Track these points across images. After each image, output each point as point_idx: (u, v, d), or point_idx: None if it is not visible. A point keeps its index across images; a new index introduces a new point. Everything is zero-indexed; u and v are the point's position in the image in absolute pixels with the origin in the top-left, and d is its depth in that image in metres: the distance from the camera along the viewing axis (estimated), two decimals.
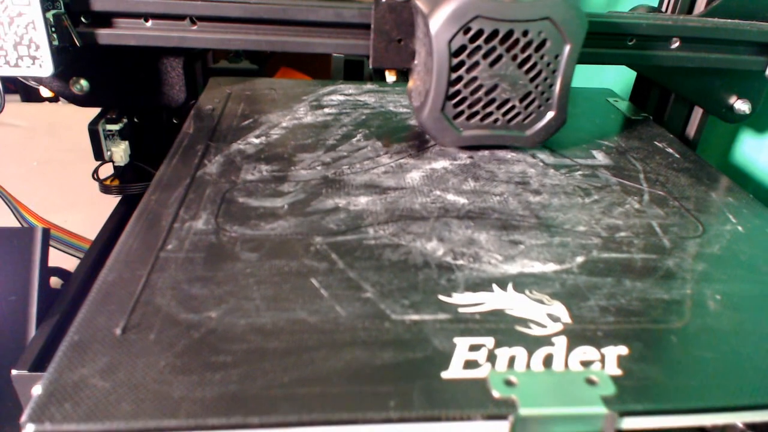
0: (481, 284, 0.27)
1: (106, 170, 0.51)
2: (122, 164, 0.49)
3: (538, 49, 0.36)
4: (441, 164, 0.38)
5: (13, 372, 0.29)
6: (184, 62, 0.46)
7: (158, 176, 0.34)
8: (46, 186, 0.69)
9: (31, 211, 0.46)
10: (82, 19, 0.40)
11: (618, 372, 0.22)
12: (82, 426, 0.19)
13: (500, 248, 0.30)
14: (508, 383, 0.21)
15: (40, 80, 0.43)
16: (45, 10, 0.36)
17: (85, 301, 0.24)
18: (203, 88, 0.49)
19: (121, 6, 0.39)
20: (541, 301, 0.26)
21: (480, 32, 0.35)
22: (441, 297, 0.26)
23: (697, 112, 0.52)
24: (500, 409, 0.20)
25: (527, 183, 0.37)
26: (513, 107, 0.38)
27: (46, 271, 0.37)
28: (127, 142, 0.49)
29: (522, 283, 0.27)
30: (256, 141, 0.40)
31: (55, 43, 0.37)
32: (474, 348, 0.23)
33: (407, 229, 0.31)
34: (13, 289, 0.35)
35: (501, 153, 0.40)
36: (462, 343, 0.23)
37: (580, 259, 0.29)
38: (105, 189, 0.50)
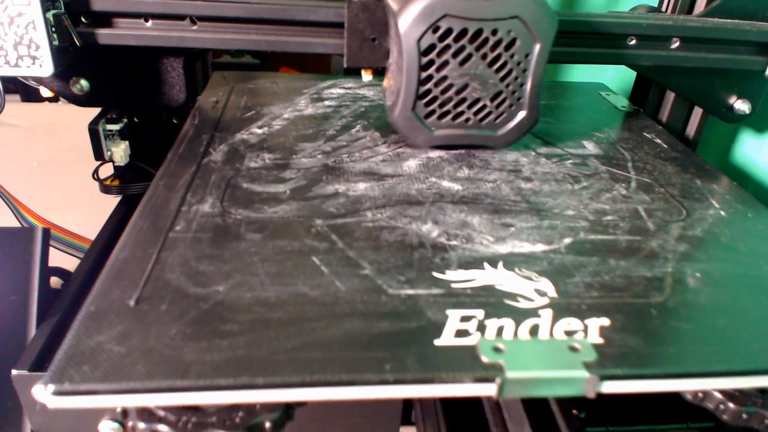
0: (473, 262, 0.28)
1: (106, 170, 0.51)
2: (122, 164, 0.49)
3: (507, 48, 0.36)
4: (437, 153, 0.40)
5: (13, 372, 0.29)
6: (184, 62, 0.46)
7: (165, 164, 0.36)
8: (46, 186, 0.69)
9: (31, 211, 0.46)
10: (82, 19, 0.40)
11: (600, 341, 0.24)
12: (99, 386, 0.20)
13: (492, 230, 0.31)
14: (496, 350, 0.23)
15: (40, 80, 0.43)
16: (45, 10, 0.36)
17: (98, 276, 0.26)
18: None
19: (121, 6, 0.39)
20: (529, 278, 0.27)
21: (449, 31, 0.35)
22: (435, 274, 0.27)
23: (697, 112, 0.52)
24: (488, 373, 0.22)
25: (519, 171, 0.38)
26: (484, 106, 0.38)
27: (46, 271, 0.37)
28: (127, 142, 0.49)
29: (512, 261, 0.29)
30: (259, 131, 0.41)
31: (55, 43, 0.37)
32: (465, 319, 0.24)
33: (404, 212, 0.32)
34: (13, 289, 0.35)
35: None
36: (454, 315, 0.25)
37: (567, 240, 0.31)
38: (105, 189, 0.50)
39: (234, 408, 0.22)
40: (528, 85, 0.38)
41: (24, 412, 0.31)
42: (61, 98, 0.46)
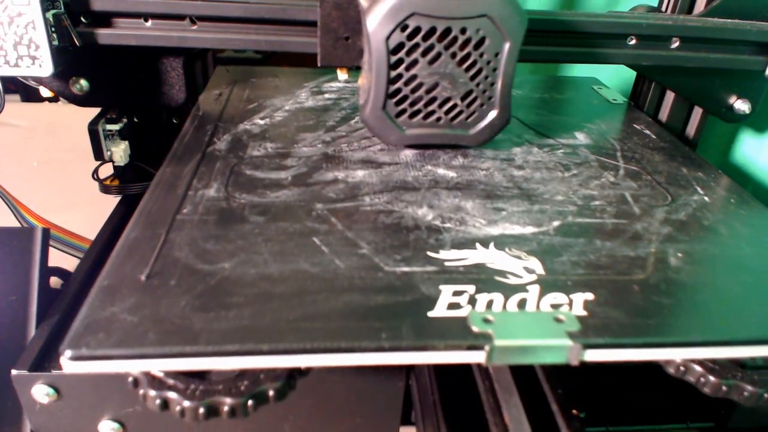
0: (466, 243, 0.30)
1: (106, 170, 0.51)
2: (122, 164, 0.49)
3: (477, 47, 0.36)
4: None
5: (13, 372, 0.29)
6: (184, 62, 0.46)
7: (172, 152, 0.37)
8: (46, 186, 0.69)
9: (31, 211, 0.46)
10: (82, 19, 0.40)
11: (584, 313, 0.25)
12: (114, 351, 0.22)
13: (484, 214, 0.33)
14: (486, 321, 0.24)
15: (40, 80, 0.43)
16: (45, 10, 0.36)
17: (110, 255, 0.27)
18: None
19: (121, 6, 0.39)
20: (518, 257, 0.29)
21: (417, 29, 0.35)
22: (429, 253, 0.29)
23: (697, 112, 0.52)
24: (478, 341, 0.23)
25: (512, 159, 0.40)
26: (455, 106, 0.38)
27: (46, 271, 0.37)
28: (127, 142, 0.49)
29: (502, 242, 0.30)
30: (261, 122, 0.43)
31: (55, 43, 0.37)
32: (457, 293, 0.26)
33: (400, 197, 0.34)
34: (13, 289, 0.35)
35: None
36: (446, 290, 0.26)
37: (556, 223, 0.32)
38: (105, 189, 0.50)
39: (239, 377, 0.24)
40: (499, 84, 0.37)
41: (24, 412, 0.31)
42: (61, 98, 0.45)
